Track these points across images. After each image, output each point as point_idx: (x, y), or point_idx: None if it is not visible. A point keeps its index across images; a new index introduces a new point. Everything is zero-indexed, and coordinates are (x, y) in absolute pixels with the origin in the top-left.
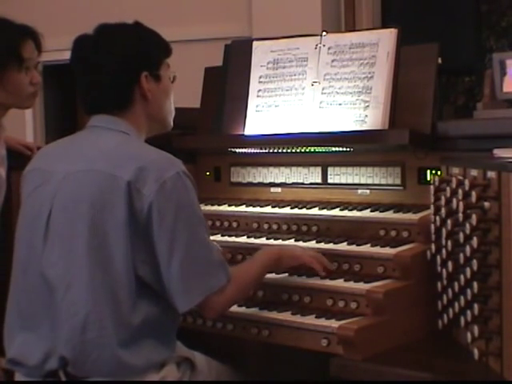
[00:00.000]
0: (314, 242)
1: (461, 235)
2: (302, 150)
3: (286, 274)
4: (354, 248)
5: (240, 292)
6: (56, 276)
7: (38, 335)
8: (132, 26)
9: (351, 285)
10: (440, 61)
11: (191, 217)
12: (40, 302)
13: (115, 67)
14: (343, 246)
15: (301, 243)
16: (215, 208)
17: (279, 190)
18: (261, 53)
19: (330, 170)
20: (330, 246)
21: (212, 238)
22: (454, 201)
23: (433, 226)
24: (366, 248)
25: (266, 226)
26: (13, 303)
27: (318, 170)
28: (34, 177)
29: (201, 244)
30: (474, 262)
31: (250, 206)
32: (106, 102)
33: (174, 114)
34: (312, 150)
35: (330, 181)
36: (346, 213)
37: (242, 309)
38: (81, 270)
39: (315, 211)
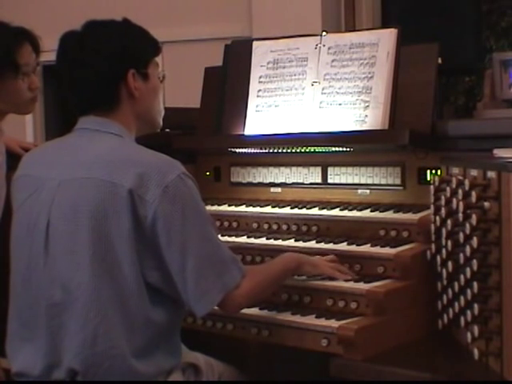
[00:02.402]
0: (314, 241)
1: (461, 235)
2: (302, 150)
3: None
4: (354, 248)
5: (258, 288)
6: (60, 289)
7: (40, 347)
8: (120, 22)
9: (351, 285)
10: (440, 61)
11: (198, 218)
12: (43, 315)
13: (101, 64)
14: (343, 246)
15: (301, 243)
16: (215, 208)
17: (279, 189)
18: (261, 53)
19: (330, 169)
20: (330, 245)
21: None
22: (454, 201)
23: (433, 226)
24: (366, 248)
25: (265, 226)
26: (14, 316)
27: (318, 170)
28: (26, 184)
29: (211, 244)
30: (474, 262)
31: (250, 206)
32: (93, 101)
33: (174, 114)
34: (312, 150)
35: (330, 181)
36: (346, 213)
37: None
38: (86, 282)
39: (315, 211)
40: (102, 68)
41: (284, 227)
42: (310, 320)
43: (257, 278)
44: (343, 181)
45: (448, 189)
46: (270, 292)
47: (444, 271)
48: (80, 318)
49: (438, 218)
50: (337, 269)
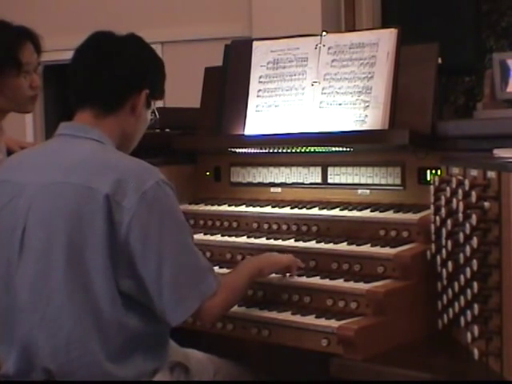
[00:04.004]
0: (314, 241)
1: (461, 235)
2: (302, 150)
3: (287, 275)
4: (354, 248)
5: (232, 296)
6: (33, 293)
7: (16, 352)
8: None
9: (351, 285)
10: (440, 61)
11: (176, 225)
12: (19, 319)
13: (131, 66)
14: (343, 246)
15: (301, 243)
16: (215, 208)
17: (279, 189)
18: (261, 53)
19: (330, 169)
20: (330, 245)
21: (212, 237)
22: (454, 201)
23: (433, 226)
24: (366, 248)
25: (265, 226)
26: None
27: (318, 170)
28: (5, 190)
29: (188, 251)
30: (474, 262)
31: (250, 206)
32: (99, 91)
33: (174, 114)
34: (312, 150)
35: (330, 181)
36: (346, 213)
37: (242, 309)
38: (59, 286)
39: (315, 211)
40: (129, 67)
41: (284, 227)
42: (310, 320)
43: (230, 287)
44: (343, 181)
45: (448, 189)
46: (237, 302)
47: (444, 271)
48: (53, 324)
49: (437, 218)
50: (295, 262)
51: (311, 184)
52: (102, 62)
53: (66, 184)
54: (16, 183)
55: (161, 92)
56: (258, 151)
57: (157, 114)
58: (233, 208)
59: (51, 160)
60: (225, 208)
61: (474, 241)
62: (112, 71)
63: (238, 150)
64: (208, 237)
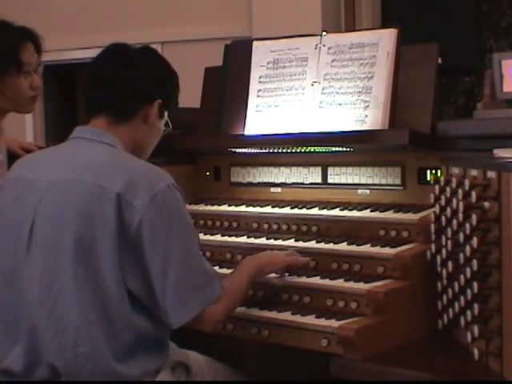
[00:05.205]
0: (314, 241)
1: (461, 235)
2: (302, 150)
3: (286, 274)
4: (354, 248)
5: (233, 302)
6: (42, 288)
7: (23, 347)
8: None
9: (351, 285)
10: (440, 61)
11: (184, 228)
12: (26, 314)
13: (146, 77)
14: (343, 246)
15: (301, 243)
16: (215, 208)
17: (279, 190)
18: (261, 53)
19: (330, 169)
20: (330, 246)
21: (212, 237)
22: (454, 201)
23: (433, 226)
24: (366, 248)
25: (265, 226)
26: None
27: (318, 170)
28: (14, 186)
29: (195, 255)
30: (474, 262)
31: (250, 206)
32: (114, 100)
33: (174, 114)
34: (312, 150)
35: (330, 181)
36: (346, 213)
37: (242, 309)
38: (67, 282)
39: (315, 211)
40: (142, 78)
41: (284, 227)
42: (310, 320)
43: (232, 293)
44: (343, 181)
45: (448, 189)
46: (238, 306)
47: (444, 271)
48: (61, 319)
49: (438, 218)
50: (295, 259)
51: (311, 184)
52: (116, 73)
53: (78, 182)
54: (25, 179)
55: (174, 103)
56: (258, 151)
57: (170, 124)
58: (233, 208)
59: (63, 160)
60: (225, 208)
61: (474, 241)
62: (125, 82)
63: (238, 150)
64: (208, 237)
